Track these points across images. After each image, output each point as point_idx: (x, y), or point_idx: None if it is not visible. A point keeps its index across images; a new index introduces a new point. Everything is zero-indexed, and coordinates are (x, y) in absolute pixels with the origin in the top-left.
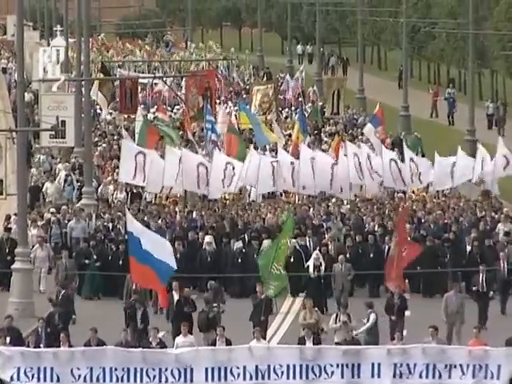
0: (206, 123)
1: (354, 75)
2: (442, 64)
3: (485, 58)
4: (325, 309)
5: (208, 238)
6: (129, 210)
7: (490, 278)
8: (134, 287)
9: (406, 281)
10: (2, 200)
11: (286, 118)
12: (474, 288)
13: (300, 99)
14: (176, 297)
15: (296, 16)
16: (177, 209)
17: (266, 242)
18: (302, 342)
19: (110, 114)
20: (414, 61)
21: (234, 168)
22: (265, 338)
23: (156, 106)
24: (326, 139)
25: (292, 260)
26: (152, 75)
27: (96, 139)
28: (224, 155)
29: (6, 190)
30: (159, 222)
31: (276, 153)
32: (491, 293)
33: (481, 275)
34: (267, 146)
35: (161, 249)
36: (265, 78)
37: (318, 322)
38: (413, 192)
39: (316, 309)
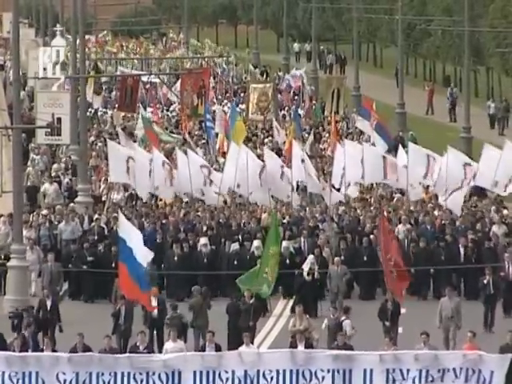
0: (206, 122)
1: (350, 73)
2: (438, 61)
3: (480, 55)
4: (317, 311)
5: (203, 240)
6: (122, 210)
7: (496, 280)
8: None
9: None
10: None
11: (284, 117)
12: (481, 292)
13: (296, 98)
14: (154, 302)
15: (292, 13)
16: (174, 209)
17: (256, 242)
18: (293, 346)
19: (104, 112)
20: (409, 58)
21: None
22: (253, 343)
23: (151, 106)
24: (324, 138)
25: (288, 262)
26: (148, 72)
27: (92, 138)
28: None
29: (1, 187)
30: (158, 222)
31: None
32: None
33: (487, 278)
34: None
35: (142, 253)
36: (264, 77)
37: (307, 329)
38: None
39: (307, 316)
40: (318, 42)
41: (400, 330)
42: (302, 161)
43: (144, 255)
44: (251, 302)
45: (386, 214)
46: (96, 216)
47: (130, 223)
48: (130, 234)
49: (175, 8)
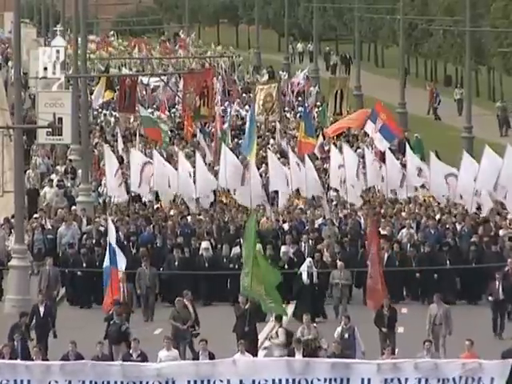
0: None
1: (352, 72)
2: (439, 61)
3: (482, 55)
4: (324, 314)
5: (205, 244)
6: (123, 212)
7: (506, 285)
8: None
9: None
10: None
11: (287, 117)
12: (490, 298)
13: (300, 98)
14: (191, 309)
15: (293, 13)
16: (171, 212)
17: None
18: (291, 354)
19: (105, 114)
20: (410, 58)
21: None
22: (256, 348)
23: (155, 106)
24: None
25: (286, 267)
26: (150, 73)
27: (96, 140)
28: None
29: (2, 186)
30: (156, 226)
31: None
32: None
33: (497, 283)
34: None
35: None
36: (266, 77)
37: (316, 338)
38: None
39: (315, 325)
40: (320, 42)
41: (401, 329)
42: (298, 164)
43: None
44: (246, 307)
45: (375, 218)
46: (98, 219)
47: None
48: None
49: (176, 8)
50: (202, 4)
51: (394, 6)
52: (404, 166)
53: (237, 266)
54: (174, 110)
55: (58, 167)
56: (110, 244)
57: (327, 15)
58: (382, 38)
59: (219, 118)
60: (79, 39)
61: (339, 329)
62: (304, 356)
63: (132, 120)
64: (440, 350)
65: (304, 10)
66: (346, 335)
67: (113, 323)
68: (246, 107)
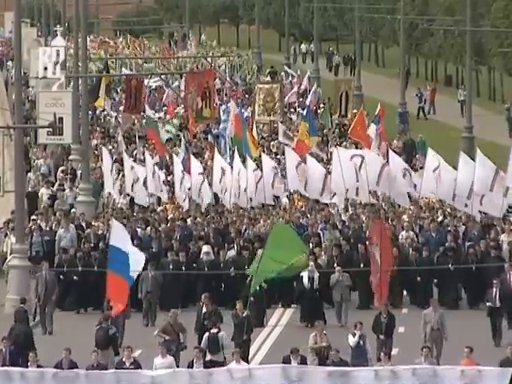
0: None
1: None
2: (440, 61)
3: (482, 54)
4: (324, 319)
5: (206, 248)
6: (123, 215)
7: (503, 292)
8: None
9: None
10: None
11: (290, 118)
12: (487, 304)
13: (302, 99)
14: (204, 309)
15: (293, 13)
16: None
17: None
18: (286, 361)
19: (107, 115)
20: (411, 58)
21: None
22: (247, 358)
23: (157, 107)
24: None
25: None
26: (150, 73)
27: (98, 141)
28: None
29: (3, 186)
30: (153, 229)
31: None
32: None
33: (494, 290)
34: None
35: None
36: (269, 77)
37: (329, 346)
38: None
39: (324, 332)
40: (320, 42)
41: (402, 329)
42: (297, 167)
43: (137, 260)
44: (244, 315)
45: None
46: (93, 222)
47: (124, 229)
48: (124, 241)
49: (177, 8)
50: (203, 4)
51: (394, 5)
52: (409, 168)
53: (232, 270)
54: (176, 110)
55: (61, 168)
56: (112, 246)
57: (328, 15)
58: (383, 38)
59: (236, 118)
60: (79, 39)
61: (355, 338)
62: (319, 364)
63: (136, 122)
64: (435, 356)
65: (304, 9)
66: (361, 343)
67: (99, 328)
68: (250, 108)
